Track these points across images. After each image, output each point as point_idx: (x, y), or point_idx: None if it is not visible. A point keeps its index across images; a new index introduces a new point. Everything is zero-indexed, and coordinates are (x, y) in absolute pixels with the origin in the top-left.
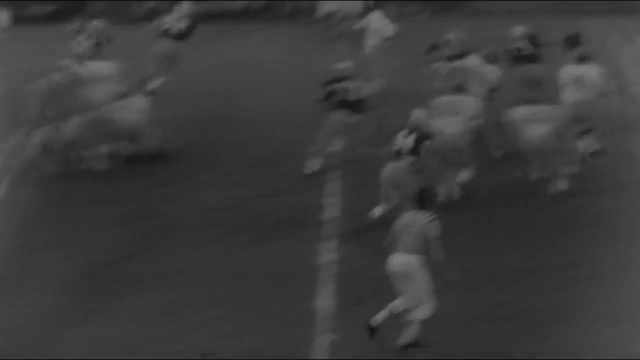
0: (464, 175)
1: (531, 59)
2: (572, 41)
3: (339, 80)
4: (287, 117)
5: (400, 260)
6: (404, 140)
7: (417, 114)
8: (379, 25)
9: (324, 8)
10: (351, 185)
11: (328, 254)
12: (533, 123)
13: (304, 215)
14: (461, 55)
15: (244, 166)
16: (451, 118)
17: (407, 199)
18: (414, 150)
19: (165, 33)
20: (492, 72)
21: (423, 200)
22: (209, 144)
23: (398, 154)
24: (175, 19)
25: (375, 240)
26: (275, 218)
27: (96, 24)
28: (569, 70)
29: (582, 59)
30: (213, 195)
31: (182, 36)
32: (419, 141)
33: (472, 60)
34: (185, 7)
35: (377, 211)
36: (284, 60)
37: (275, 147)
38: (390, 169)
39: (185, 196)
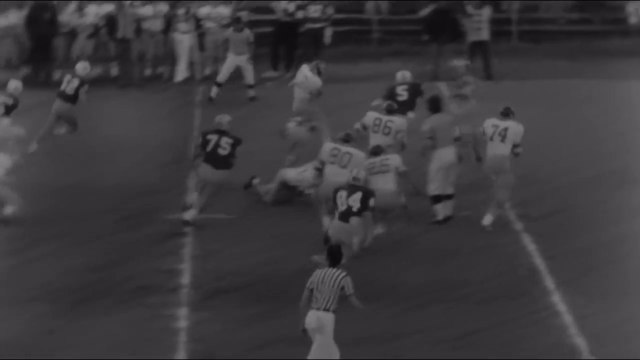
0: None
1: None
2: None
3: (217, 132)
4: (139, 184)
5: (314, 317)
6: (348, 200)
7: (358, 173)
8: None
9: (180, 76)
10: (206, 250)
11: (184, 319)
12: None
13: (161, 281)
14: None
15: (98, 233)
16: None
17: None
18: (363, 209)
19: (61, 94)
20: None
21: (334, 256)
22: (60, 211)
23: (345, 214)
24: (68, 80)
25: (227, 305)
26: (131, 284)
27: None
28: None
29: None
30: (61, 264)
31: (71, 98)
32: (365, 200)
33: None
34: (79, 68)
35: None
36: (135, 127)
37: (128, 214)
38: (337, 228)
39: (37, 265)
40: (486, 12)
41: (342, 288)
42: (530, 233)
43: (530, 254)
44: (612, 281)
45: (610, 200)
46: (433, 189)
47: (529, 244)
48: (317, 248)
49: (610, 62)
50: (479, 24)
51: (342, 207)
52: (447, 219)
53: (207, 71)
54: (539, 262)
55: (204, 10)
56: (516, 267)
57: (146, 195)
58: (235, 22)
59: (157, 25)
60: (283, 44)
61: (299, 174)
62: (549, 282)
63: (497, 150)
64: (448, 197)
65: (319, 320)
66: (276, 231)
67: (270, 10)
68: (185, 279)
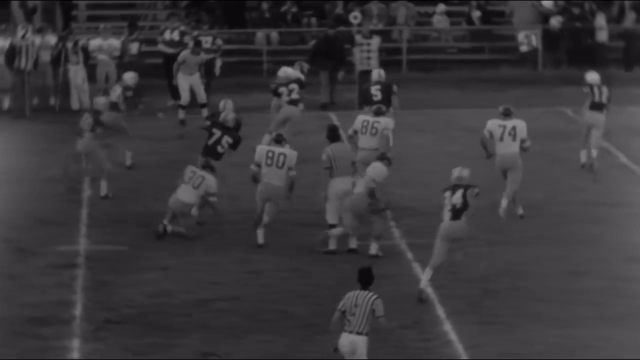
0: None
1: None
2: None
3: (222, 128)
4: (32, 215)
5: (347, 340)
6: (453, 198)
7: (462, 172)
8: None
9: (74, 104)
10: (97, 281)
11: (76, 351)
12: None
13: (53, 313)
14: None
15: None
16: None
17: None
18: (466, 204)
19: None
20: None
21: (366, 278)
22: None
23: (456, 213)
24: None
25: (119, 336)
26: (24, 316)
27: None
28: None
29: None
30: None
31: None
32: (466, 195)
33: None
34: None
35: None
36: (28, 158)
37: (21, 245)
38: (447, 227)
39: None
40: (375, 41)
41: (374, 311)
42: (421, 262)
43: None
44: (504, 309)
45: (507, 228)
46: (330, 218)
47: (420, 273)
48: (203, 280)
49: (501, 91)
50: (368, 53)
51: (449, 207)
52: (351, 251)
53: None
54: (430, 291)
55: (95, 42)
56: (408, 297)
57: (39, 226)
58: (195, 45)
59: (46, 56)
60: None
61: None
62: (440, 311)
63: (509, 148)
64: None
65: (352, 344)
66: (167, 263)
67: (164, 42)
68: (78, 310)
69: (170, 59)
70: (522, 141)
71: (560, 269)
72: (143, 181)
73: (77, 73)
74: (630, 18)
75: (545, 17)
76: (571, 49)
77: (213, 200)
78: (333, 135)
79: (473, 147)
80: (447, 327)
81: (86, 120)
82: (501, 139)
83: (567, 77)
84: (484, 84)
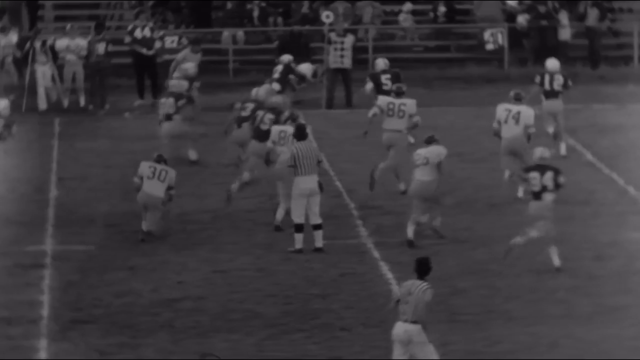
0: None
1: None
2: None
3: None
4: None
5: (402, 329)
6: (543, 180)
7: (544, 153)
8: None
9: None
10: (64, 281)
11: (44, 351)
12: None
13: (21, 313)
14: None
15: None
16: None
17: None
18: (558, 186)
19: None
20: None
21: (422, 268)
22: None
23: (540, 193)
24: None
25: (86, 336)
26: None
27: None
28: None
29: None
30: None
31: None
32: (557, 177)
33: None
34: None
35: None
36: None
37: None
38: (535, 208)
39: None
40: (349, 40)
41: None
42: (388, 261)
43: (388, 282)
44: (471, 307)
45: (474, 226)
46: (296, 217)
47: (387, 272)
48: (170, 280)
49: (467, 89)
50: (341, 51)
51: (536, 188)
52: (317, 250)
53: (65, 103)
54: (397, 290)
55: (63, 42)
56: (375, 296)
57: (6, 226)
58: (194, 43)
59: (9, 56)
60: (145, 73)
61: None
62: None
63: (512, 132)
64: (316, 227)
65: (407, 333)
66: (133, 262)
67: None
68: (45, 310)
69: (141, 57)
70: (527, 127)
71: (527, 267)
72: (110, 181)
73: (45, 73)
74: (592, 16)
75: (509, 15)
76: (537, 47)
77: (172, 193)
78: (300, 133)
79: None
80: None
81: (167, 103)
82: (505, 121)
83: (533, 75)
84: (450, 82)
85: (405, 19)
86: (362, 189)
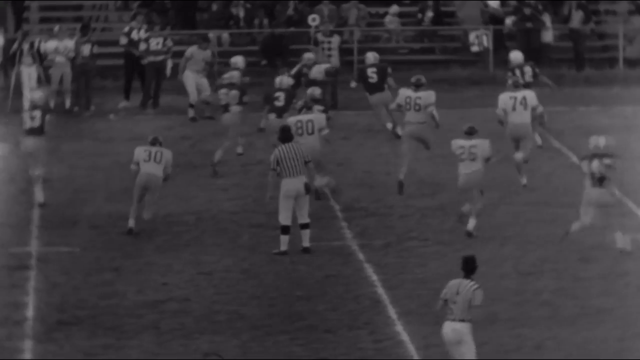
0: None
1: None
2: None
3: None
4: None
5: (450, 329)
6: (594, 167)
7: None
8: None
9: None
10: (49, 282)
11: (29, 352)
12: None
13: (6, 314)
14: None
15: None
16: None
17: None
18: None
19: None
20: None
21: (469, 266)
22: None
23: (600, 180)
24: None
25: (71, 337)
26: None
27: None
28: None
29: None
30: None
31: None
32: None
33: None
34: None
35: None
36: None
37: None
38: (596, 194)
39: None
40: (335, 40)
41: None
42: (373, 263)
43: (372, 284)
44: None
45: (459, 228)
46: (282, 218)
47: (372, 274)
48: (154, 282)
49: (453, 91)
50: (329, 51)
51: (597, 175)
52: (305, 250)
53: (52, 104)
54: (382, 292)
55: (52, 44)
56: (359, 297)
57: None
58: (202, 40)
59: None
60: (136, 76)
61: None
62: (392, 312)
63: (521, 118)
64: (304, 226)
65: (455, 332)
66: (118, 264)
67: (113, 43)
68: (30, 312)
69: (133, 59)
70: (534, 108)
71: (512, 269)
72: (94, 182)
73: (30, 75)
74: (576, 18)
75: (491, 17)
76: (522, 49)
77: (169, 172)
78: (284, 136)
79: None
80: (399, 327)
81: (230, 94)
82: (513, 108)
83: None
84: (435, 84)
85: (391, 21)
86: (347, 190)
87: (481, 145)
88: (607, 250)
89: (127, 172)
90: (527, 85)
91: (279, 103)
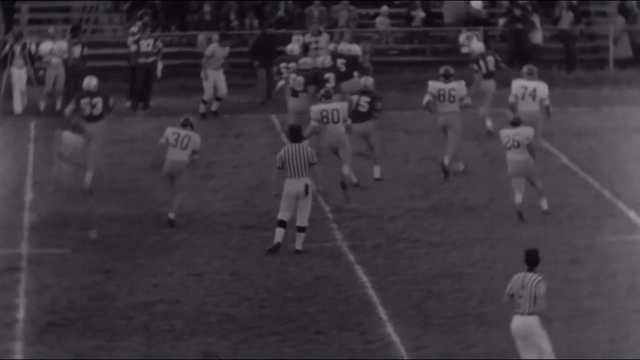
0: None
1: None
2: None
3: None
4: None
5: (520, 323)
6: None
7: None
8: None
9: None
10: (40, 284)
11: (19, 354)
12: None
13: None
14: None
15: None
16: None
17: None
18: None
19: None
20: None
21: (532, 260)
22: None
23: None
24: None
25: (62, 339)
26: None
27: None
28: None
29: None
30: None
31: None
32: None
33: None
34: None
35: None
36: None
37: None
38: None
39: None
40: (324, 38)
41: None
42: (363, 265)
43: (363, 286)
44: (446, 311)
45: (449, 229)
46: (280, 215)
47: (362, 276)
48: (145, 283)
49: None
50: (315, 51)
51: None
52: (297, 252)
53: (42, 106)
54: (372, 293)
55: (47, 46)
56: (350, 299)
57: None
58: (223, 37)
59: None
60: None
61: None
62: (382, 314)
63: (529, 107)
64: (299, 229)
65: (525, 326)
66: (109, 265)
67: (106, 45)
68: (21, 314)
69: (142, 67)
70: (542, 100)
71: (501, 270)
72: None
73: (21, 76)
74: (566, 19)
75: (473, 18)
76: (512, 50)
77: (196, 157)
78: (293, 135)
79: (415, 150)
80: (389, 329)
81: (297, 79)
82: (523, 98)
83: (508, 78)
84: (425, 85)
85: (381, 22)
86: (338, 192)
87: (523, 132)
88: (597, 252)
89: (118, 173)
90: (490, 75)
91: (330, 84)
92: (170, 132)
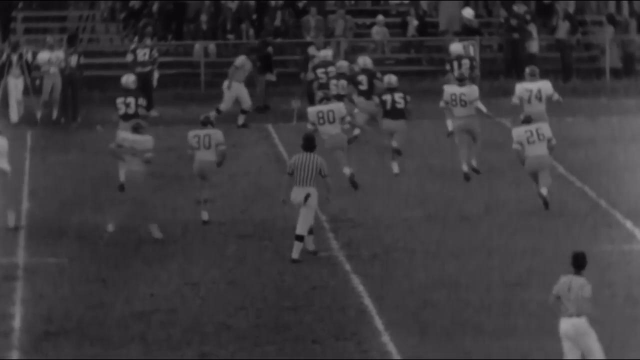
0: None
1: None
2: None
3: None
4: None
5: (569, 325)
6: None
7: None
8: None
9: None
10: (36, 293)
11: None
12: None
13: None
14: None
15: None
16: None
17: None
18: None
19: None
20: None
21: (580, 263)
22: None
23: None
24: None
25: (58, 349)
26: None
27: None
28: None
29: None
30: None
31: None
32: None
33: None
34: None
35: None
36: None
37: None
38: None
39: None
40: (327, 52)
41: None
42: (359, 274)
43: (359, 295)
44: (443, 320)
45: (445, 239)
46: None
47: (358, 285)
48: (141, 292)
49: (439, 102)
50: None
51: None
52: (292, 261)
53: (38, 115)
54: (368, 302)
55: (44, 55)
56: (346, 308)
57: None
58: (251, 51)
59: None
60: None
61: None
62: (379, 323)
63: (536, 108)
64: (297, 238)
65: (574, 327)
66: (105, 274)
67: (100, 54)
68: (17, 323)
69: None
70: (550, 97)
71: (498, 280)
72: (81, 193)
73: (17, 86)
74: (562, 29)
75: (465, 27)
76: (509, 59)
77: (223, 148)
78: (306, 144)
79: (412, 160)
80: (386, 338)
81: (340, 83)
82: (529, 101)
83: (504, 88)
84: (421, 95)
85: (377, 32)
86: (333, 201)
87: (545, 127)
88: (594, 261)
89: (114, 183)
90: (462, 78)
91: (363, 87)
92: (191, 135)
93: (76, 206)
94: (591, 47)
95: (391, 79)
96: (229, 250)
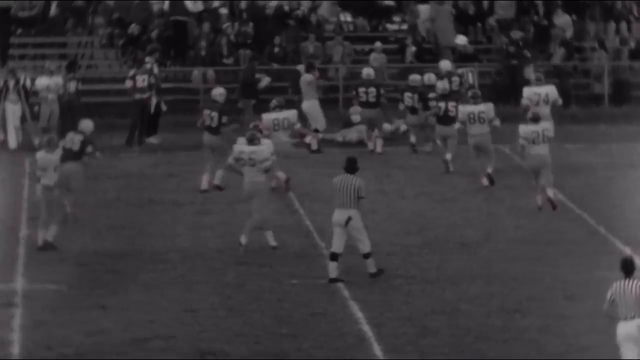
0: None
1: None
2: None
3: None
4: None
5: (633, 327)
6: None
7: None
8: None
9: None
10: (35, 320)
11: None
12: None
13: None
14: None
15: None
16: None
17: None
18: None
19: None
20: None
21: (629, 267)
22: None
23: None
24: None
25: None
26: None
27: None
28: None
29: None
30: None
31: None
32: None
33: None
34: None
35: None
36: None
37: None
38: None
39: None
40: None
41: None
42: (358, 301)
43: (358, 322)
44: (442, 347)
45: (445, 266)
46: (332, 245)
47: (357, 312)
48: (140, 319)
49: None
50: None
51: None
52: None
53: (36, 142)
54: (367, 329)
55: (43, 81)
56: (345, 335)
57: None
58: (309, 66)
59: None
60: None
61: None
62: (378, 350)
63: (543, 110)
64: (365, 256)
65: (638, 328)
66: (105, 301)
67: (98, 81)
68: (16, 349)
69: (137, 103)
70: (555, 101)
71: (497, 307)
72: (81, 220)
73: (15, 112)
74: (558, 54)
75: (459, 54)
76: (506, 85)
77: (267, 166)
78: (348, 166)
79: (411, 186)
80: None
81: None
82: (537, 104)
83: (503, 114)
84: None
85: (375, 59)
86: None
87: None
88: (593, 288)
89: (114, 209)
90: (451, 94)
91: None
92: (237, 150)
93: (75, 232)
94: (590, 73)
95: (445, 85)
96: (228, 277)
